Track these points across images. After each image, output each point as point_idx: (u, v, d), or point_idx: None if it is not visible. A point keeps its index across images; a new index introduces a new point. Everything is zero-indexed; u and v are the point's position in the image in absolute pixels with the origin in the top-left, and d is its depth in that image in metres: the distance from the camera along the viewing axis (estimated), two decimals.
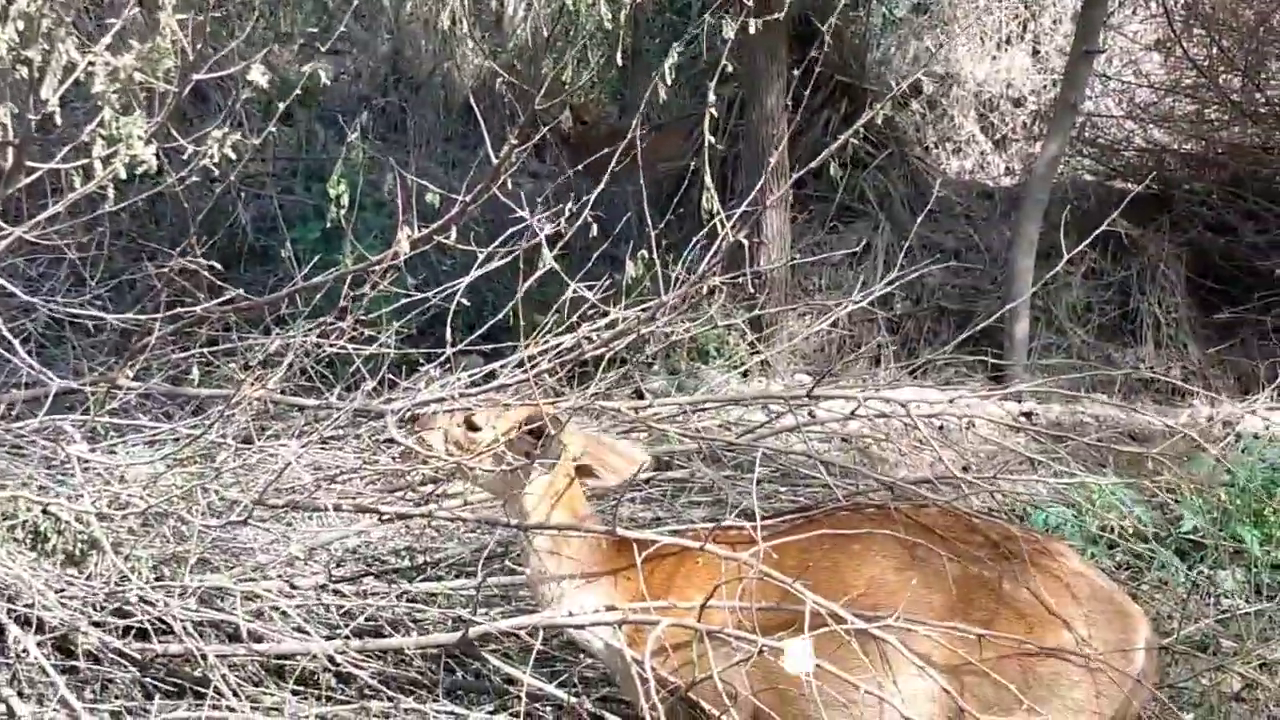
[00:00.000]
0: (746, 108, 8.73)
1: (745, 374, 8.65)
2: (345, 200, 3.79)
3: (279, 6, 13.00)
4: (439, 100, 12.31)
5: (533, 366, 4.20)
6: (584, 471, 3.89)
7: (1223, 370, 9.30)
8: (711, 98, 4.53)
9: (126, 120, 3.04)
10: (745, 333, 8.85)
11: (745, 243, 4.58)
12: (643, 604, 3.69)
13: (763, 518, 3.77)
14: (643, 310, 4.15)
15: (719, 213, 4.08)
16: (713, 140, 4.42)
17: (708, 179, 4.07)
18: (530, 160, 12.00)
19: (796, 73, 7.54)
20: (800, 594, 3.52)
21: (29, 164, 3.25)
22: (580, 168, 6.77)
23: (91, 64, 3.04)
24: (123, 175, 3.08)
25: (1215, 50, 10.46)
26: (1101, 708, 3.65)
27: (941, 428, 7.92)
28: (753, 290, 8.68)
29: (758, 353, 8.65)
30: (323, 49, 12.29)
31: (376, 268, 3.83)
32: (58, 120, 3.05)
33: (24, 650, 3.38)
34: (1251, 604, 6.02)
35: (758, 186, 8.32)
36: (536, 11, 13.59)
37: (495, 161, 3.96)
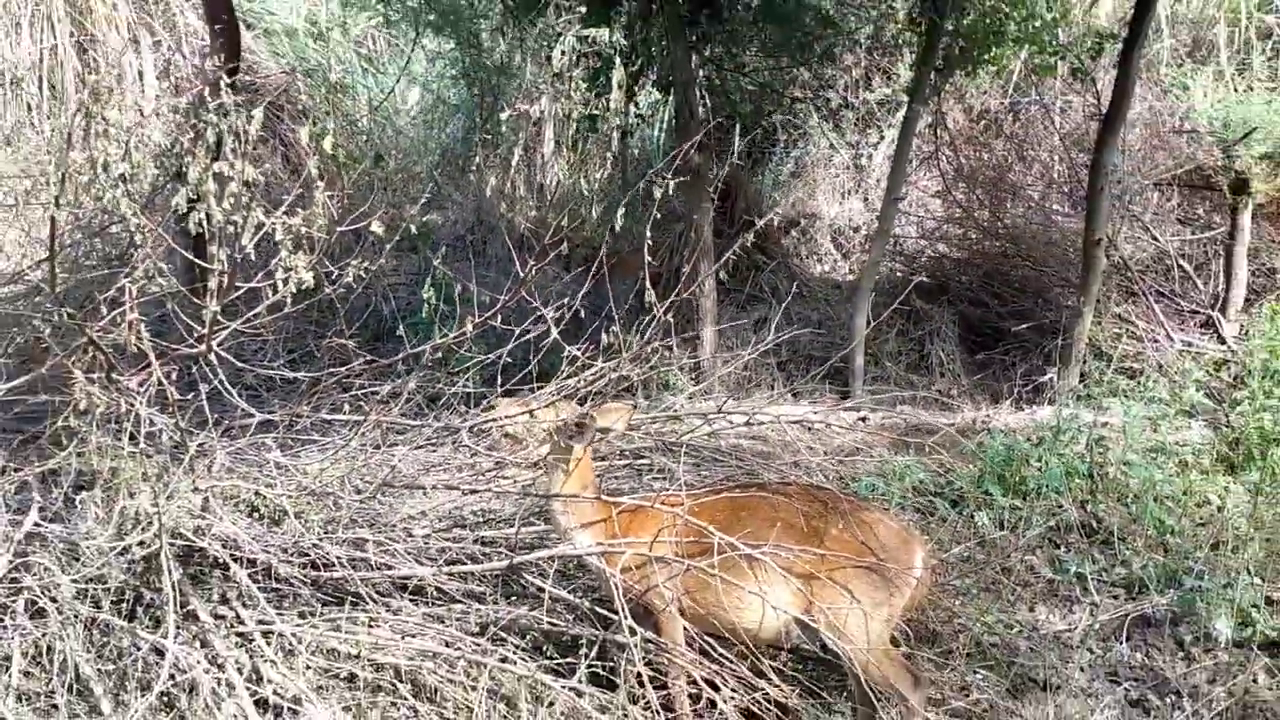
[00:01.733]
0: (686, 235, 8.70)
1: (690, 397, 8.67)
2: (433, 300, 3.79)
3: (409, 182, 12.96)
4: (504, 237, 12.29)
5: (555, 394, 4.18)
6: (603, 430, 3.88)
7: (982, 390, 9.25)
8: (648, 236, 4.55)
9: (294, 256, 3.08)
10: (689, 371, 8.89)
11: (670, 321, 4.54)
12: (614, 541, 3.69)
13: (692, 489, 3.79)
14: (608, 364, 4.10)
15: (654, 304, 4.05)
16: (652, 260, 4.47)
17: (647, 285, 4.04)
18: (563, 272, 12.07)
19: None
20: (710, 534, 3.53)
21: (237, 284, 3.26)
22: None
23: (274, 222, 3.09)
24: (295, 289, 3.11)
25: (973, 195, 10.52)
26: (893, 598, 3.67)
27: (811, 429, 7.94)
28: (694, 347, 8.75)
29: (697, 384, 8.67)
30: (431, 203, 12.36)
31: (450, 340, 3.80)
32: (252, 256, 3.09)
33: (238, 578, 3.37)
34: (998, 532, 6.02)
35: (697, 283, 8.39)
36: (562, 183, 13.63)
37: (522, 276, 3.93)
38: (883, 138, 12.73)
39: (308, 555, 3.60)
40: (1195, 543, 5.84)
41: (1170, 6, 13.00)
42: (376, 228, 3.31)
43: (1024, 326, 9.37)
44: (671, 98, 8.60)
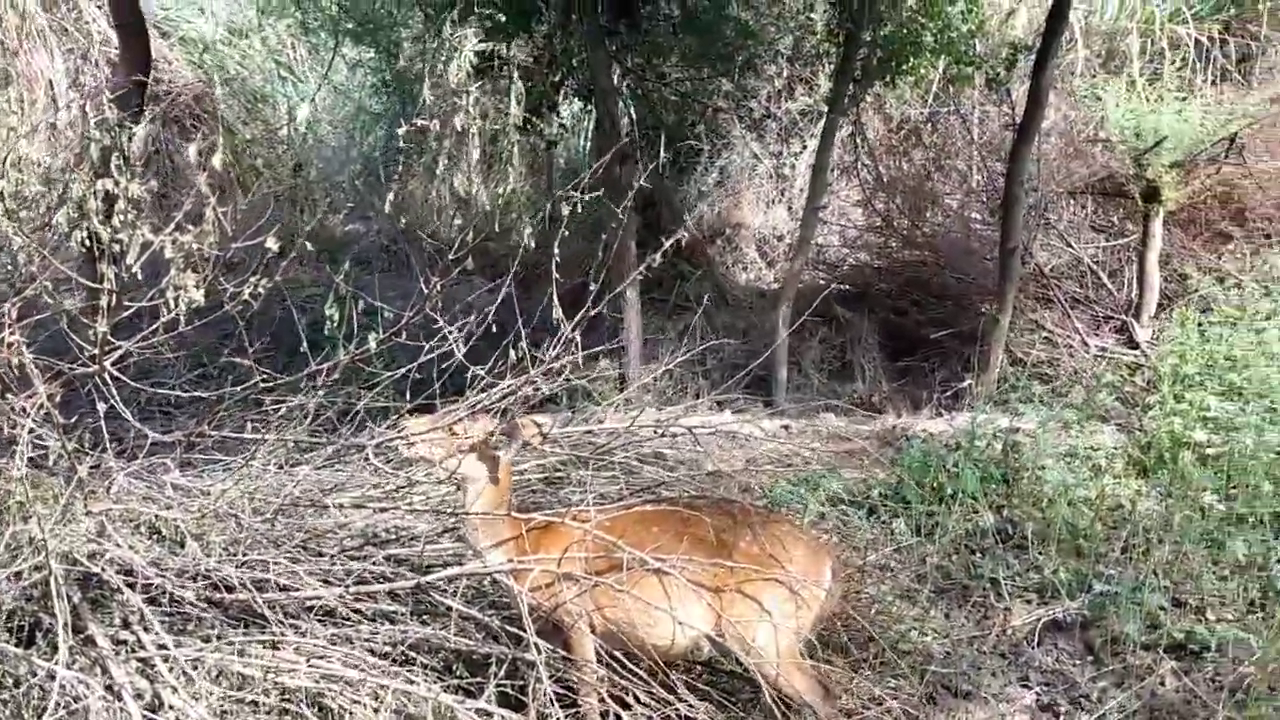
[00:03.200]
0: (610, 247, 8.66)
1: (615, 408, 8.65)
2: (335, 316, 3.73)
3: (332, 192, 12.80)
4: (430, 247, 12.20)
5: (467, 410, 4.12)
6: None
7: (904, 397, 9.33)
8: (555, 251, 4.54)
9: (183, 275, 3.01)
10: (614, 381, 8.87)
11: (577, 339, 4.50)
12: (524, 558, 3.65)
13: (603, 503, 3.77)
14: (517, 379, 4.06)
15: (560, 320, 4.02)
16: (559, 278, 4.48)
17: (555, 301, 4.01)
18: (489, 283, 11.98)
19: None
20: (620, 548, 3.51)
21: (126, 302, 3.18)
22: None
23: (163, 239, 3.01)
24: (184, 308, 3.03)
25: (892, 204, 10.62)
26: (803, 610, 3.67)
27: (734, 438, 7.95)
28: (620, 357, 8.74)
29: (623, 394, 8.65)
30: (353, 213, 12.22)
31: (352, 357, 3.73)
32: (139, 276, 3.01)
33: (132, 603, 3.28)
34: (915, 539, 6.06)
35: (613, 293, 8.39)
36: (488, 194, 13.57)
37: (426, 292, 3.89)
38: (805, 147, 12.79)
39: (209, 578, 3.51)
40: (1107, 546, 5.93)
41: (1084, 18, 13.25)
42: (271, 243, 3.24)
43: (943, 333, 9.47)
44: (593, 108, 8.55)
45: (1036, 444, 6.93)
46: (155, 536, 3.71)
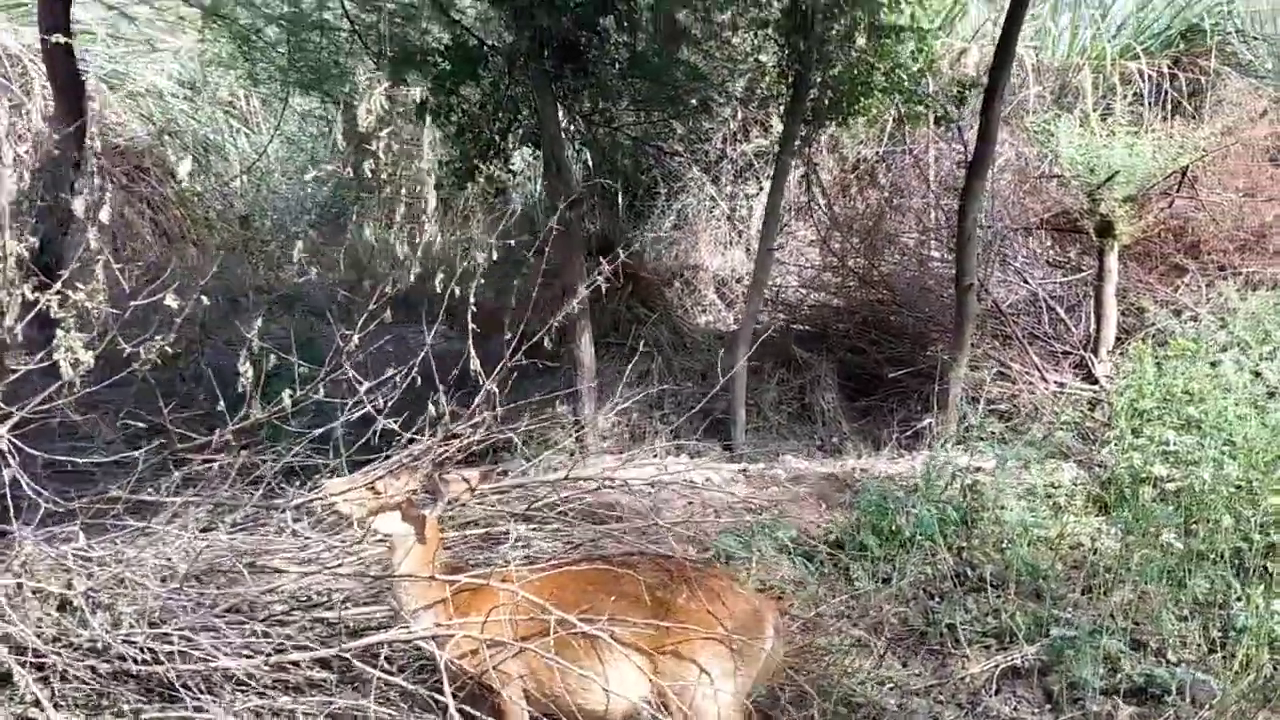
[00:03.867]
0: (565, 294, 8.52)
1: (571, 454, 8.53)
2: (249, 375, 3.59)
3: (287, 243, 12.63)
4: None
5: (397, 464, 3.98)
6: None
7: (864, 437, 9.23)
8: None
9: (70, 336, 2.88)
10: (569, 426, 8.73)
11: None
12: (450, 622, 3.51)
13: (535, 562, 3.64)
14: (444, 431, 3.93)
15: (478, 372, 3.90)
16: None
17: (473, 355, 3.89)
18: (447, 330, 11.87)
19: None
20: (548, 612, 3.38)
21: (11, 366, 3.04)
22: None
23: (49, 299, 2.88)
24: (73, 370, 2.90)
25: (848, 244, 10.59)
26: (743, 668, 3.55)
27: (693, 484, 7.84)
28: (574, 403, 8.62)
29: (578, 440, 8.53)
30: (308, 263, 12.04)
31: (268, 415, 3.59)
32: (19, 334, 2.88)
33: (21, 684, 3.11)
34: (874, 586, 5.95)
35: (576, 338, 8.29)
36: (445, 240, 13.47)
37: (343, 347, 3.75)
38: (761, 189, 12.77)
39: (120, 651, 3.35)
40: (1067, 587, 5.84)
41: (1036, 55, 13.35)
42: (170, 301, 3.12)
43: (902, 373, 9.40)
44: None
45: (995, 483, 6.85)
46: (64, 608, 3.54)
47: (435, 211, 13.64)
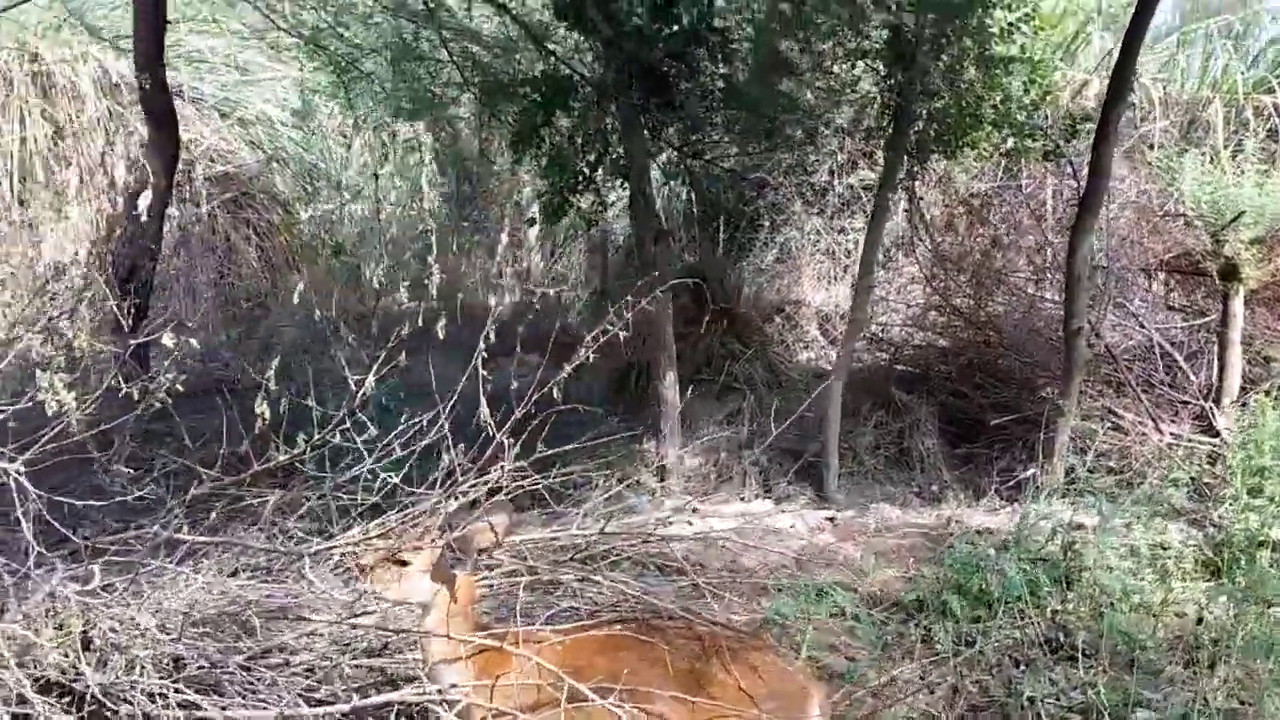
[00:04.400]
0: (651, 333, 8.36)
1: (653, 494, 8.38)
2: (267, 415, 3.50)
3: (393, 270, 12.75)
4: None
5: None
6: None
7: (965, 486, 8.88)
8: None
9: (49, 375, 2.82)
10: (650, 466, 8.57)
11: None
12: (471, 683, 3.35)
13: (570, 621, 3.47)
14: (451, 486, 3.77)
15: (489, 423, 3.73)
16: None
17: (484, 403, 3.72)
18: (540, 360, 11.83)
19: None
20: (562, 679, 3.19)
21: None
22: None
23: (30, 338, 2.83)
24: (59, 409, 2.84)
25: (953, 282, 10.25)
26: None
27: (775, 530, 7.62)
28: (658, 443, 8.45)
29: (661, 481, 8.38)
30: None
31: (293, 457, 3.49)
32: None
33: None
34: (957, 650, 5.64)
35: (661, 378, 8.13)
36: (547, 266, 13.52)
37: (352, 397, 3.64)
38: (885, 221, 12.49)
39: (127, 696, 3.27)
40: (1168, 659, 5.45)
41: (1164, 88, 12.80)
42: (167, 340, 3.04)
43: (1006, 419, 9.00)
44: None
45: (1097, 541, 6.45)
46: (87, 648, 3.48)
47: (538, 242, 13.68)
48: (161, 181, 7.21)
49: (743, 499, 8.71)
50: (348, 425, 4.17)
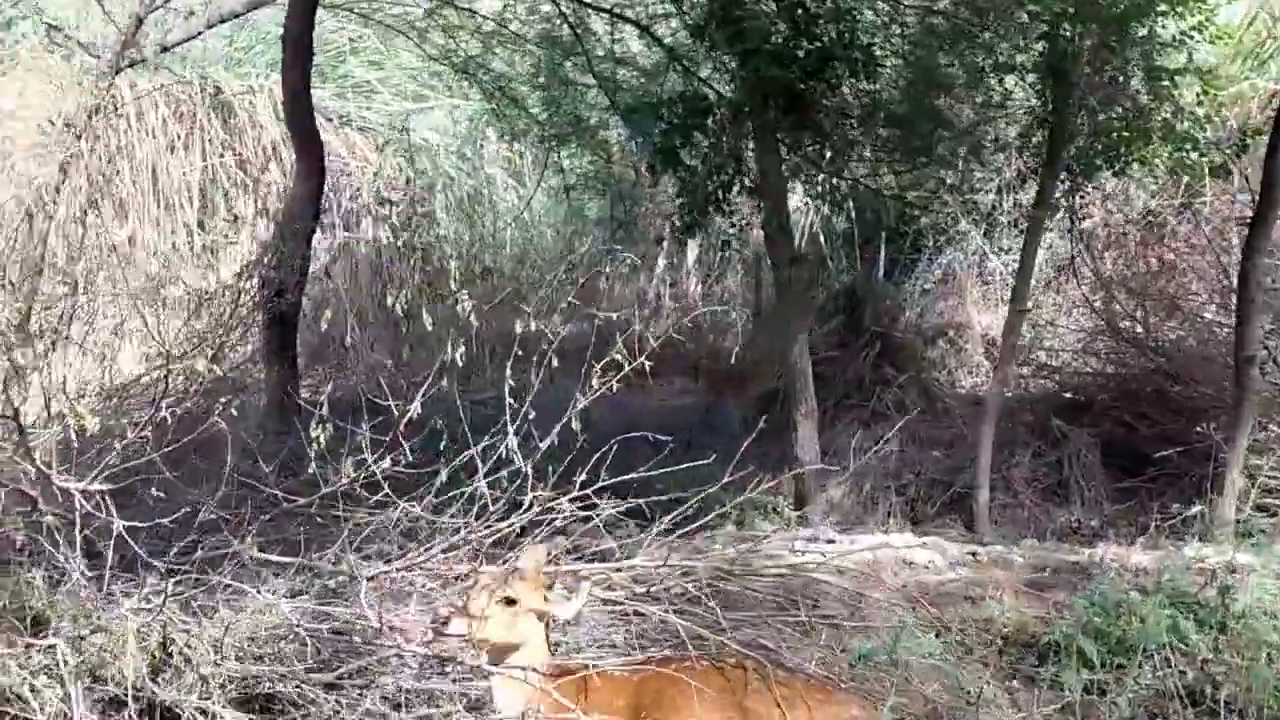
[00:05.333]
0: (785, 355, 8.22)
1: (789, 523, 8.22)
2: (324, 439, 3.56)
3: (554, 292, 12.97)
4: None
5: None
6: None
7: (1127, 523, 8.44)
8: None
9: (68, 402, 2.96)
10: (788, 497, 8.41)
11: None
12: None
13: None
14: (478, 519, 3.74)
15: (515, 452, 3.67)
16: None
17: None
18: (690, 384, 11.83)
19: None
20: None
21: None
22: None
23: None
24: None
25: (1120, 305, 9.80)
26: None
27: (910, 564, 7.38)
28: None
29: (798, 510, 8.22)
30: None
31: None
32: None
33: None
34: (1092, 697, 5.35)
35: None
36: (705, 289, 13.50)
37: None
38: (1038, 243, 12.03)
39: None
40: None
41: None
42: (201, 366, 3.15)
43: (1173, 452, 8.50)
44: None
45: (1257, 587, 6.01)
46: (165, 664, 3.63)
47: (694, 268, 13.67)
48: (309, 209, 7.51)
49: (885, 530, 8.47)
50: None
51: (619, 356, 4.02)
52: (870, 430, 9.80)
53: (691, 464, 5.76)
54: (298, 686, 3.50)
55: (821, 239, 12.45)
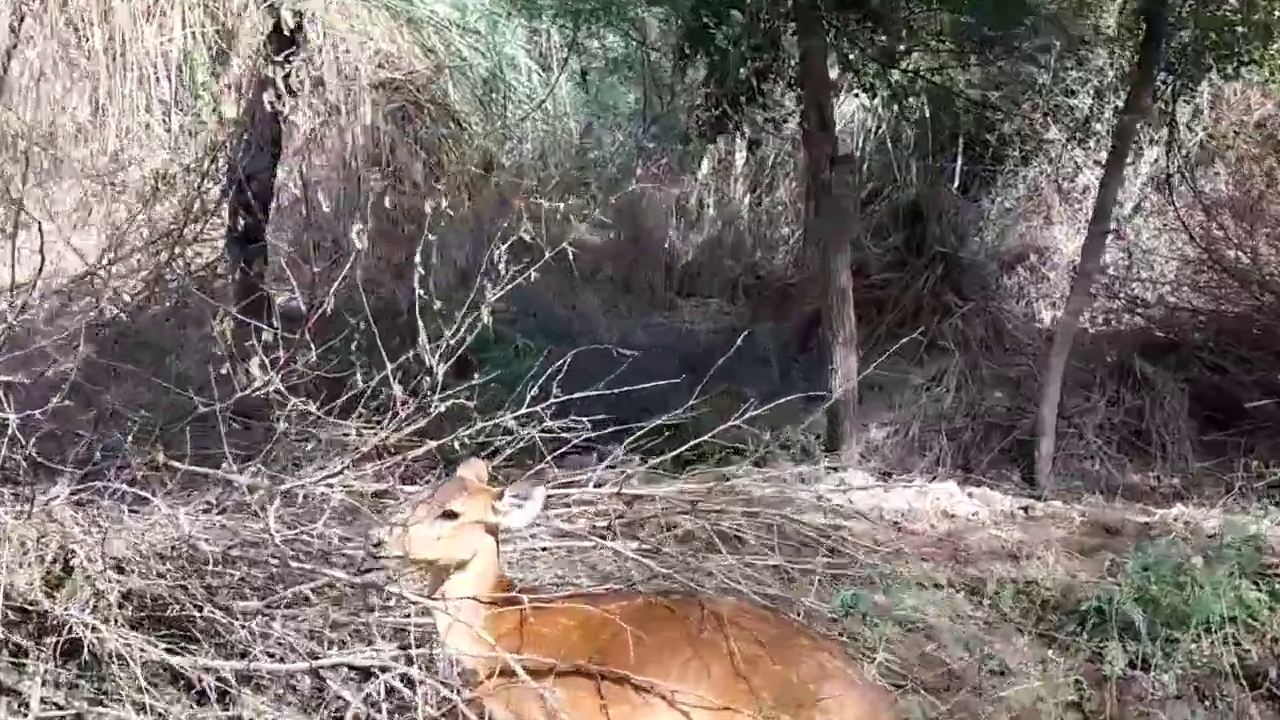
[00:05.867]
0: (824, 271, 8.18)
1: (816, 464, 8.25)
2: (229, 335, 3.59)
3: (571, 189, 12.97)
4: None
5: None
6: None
7: (1213, 481, 8.39)
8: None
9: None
10: (820, 436, 8.43)
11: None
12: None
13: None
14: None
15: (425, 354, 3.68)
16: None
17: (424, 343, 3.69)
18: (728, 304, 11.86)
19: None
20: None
21: None
22: None
23: None
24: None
25: (1219, 232, 9.68)
26: None
27: (951, 515, 7.40)
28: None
29: (830, 451, 8.22)
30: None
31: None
32: None
33: None
34: (1136, 673, 5.37)
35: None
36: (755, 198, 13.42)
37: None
38: (1140, 155, 11.80)
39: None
40: None
41: None
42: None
43: (1272, 402, 8.42)
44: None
45: None
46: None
47: (744, 171, 13.57)
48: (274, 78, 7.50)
49: (933, 477, 8.47)
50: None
51: (526, 235, 3.94)
52: (924, 365, 9.77)
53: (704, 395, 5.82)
54: (203, 609, 3.58)
55: (889, 146, 12.30)
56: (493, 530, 3.51)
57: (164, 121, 11.87)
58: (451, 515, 3.46)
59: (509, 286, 3.84)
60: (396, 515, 3.68)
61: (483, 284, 3.91)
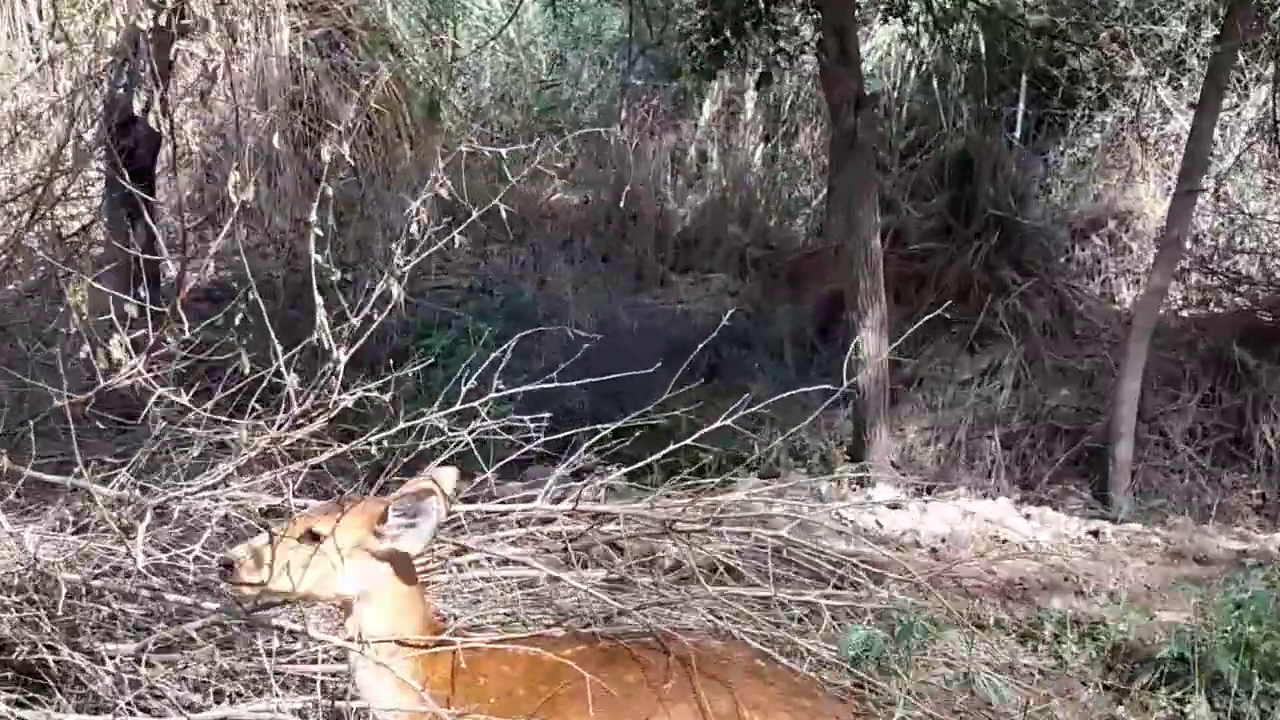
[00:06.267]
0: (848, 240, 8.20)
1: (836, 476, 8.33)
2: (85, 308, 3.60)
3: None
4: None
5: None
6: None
7: None
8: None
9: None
10: (843, 442, 8.49)
11: None
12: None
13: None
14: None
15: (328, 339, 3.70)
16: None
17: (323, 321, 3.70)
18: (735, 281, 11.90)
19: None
20: None
21: None
22: None
23: None
24: None
25: None
26: None
27: (1003, 540, 7.46)
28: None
29: (852, 460, 8.27)
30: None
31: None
32: None
33: None
34: None
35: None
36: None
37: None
38: (1247, 98, 11.86)
39: None
40: None
41: None
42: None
43: None
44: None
45: None
46: None
47: (754, 117, 13.61)
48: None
49: (983, 494, 8.53)
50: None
51: (443, 190, 3.92)
52: (974, 356, 9.83)
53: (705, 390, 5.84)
54: (58, 652, 3.59)
55: (934, 85, 12.35)
56: (387, 557, 3.51)
57: (33, 51, 11.90)
58: (315, 538, 3.44)
59: (424, 255, 3.81)
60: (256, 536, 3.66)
61: (390, 250, 3.87)
